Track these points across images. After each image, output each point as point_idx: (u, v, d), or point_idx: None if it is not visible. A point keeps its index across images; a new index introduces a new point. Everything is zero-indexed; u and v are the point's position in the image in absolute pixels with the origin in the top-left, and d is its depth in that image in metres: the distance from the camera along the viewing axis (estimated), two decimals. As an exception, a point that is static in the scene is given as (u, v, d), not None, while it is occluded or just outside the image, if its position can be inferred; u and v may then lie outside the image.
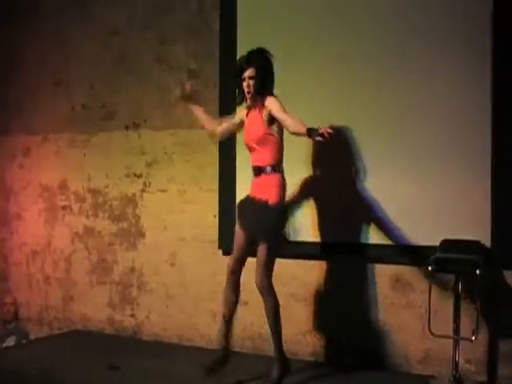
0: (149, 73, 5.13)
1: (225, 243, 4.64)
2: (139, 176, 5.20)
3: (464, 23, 3.96)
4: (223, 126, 4.01)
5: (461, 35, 3.96)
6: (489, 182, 3.87)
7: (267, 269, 3.69)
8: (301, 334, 4.44)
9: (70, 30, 5.53)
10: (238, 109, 3.97)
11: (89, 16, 5.44)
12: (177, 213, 5.00)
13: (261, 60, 3.74)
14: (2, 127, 5.88)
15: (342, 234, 4.32)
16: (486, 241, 3.83)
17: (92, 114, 5.44)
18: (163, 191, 5.10)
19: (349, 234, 4.30)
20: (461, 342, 3.69)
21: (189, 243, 4.95)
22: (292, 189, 4.19)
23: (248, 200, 3.81)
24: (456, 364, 3.68)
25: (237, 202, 4.06)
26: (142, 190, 5.19)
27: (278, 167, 3.74)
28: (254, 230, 3.73)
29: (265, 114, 3.69)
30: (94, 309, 5.38)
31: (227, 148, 4.65)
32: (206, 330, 4.81)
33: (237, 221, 3.89)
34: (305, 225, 4.38)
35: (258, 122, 3.72)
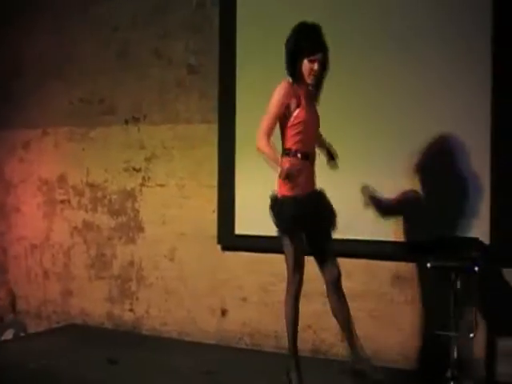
0: (148, 68, 5.12)
1: (224, 239, 4.67)
2: (138, 170, 5.20)
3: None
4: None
5: (466, 36, 3.95)
6: (488, 179, 3.87)
7: None
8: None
9: (71, 25, 5.51)
10: (282, 96, 3.27)
11: (90, 12, 5.41)
12: (176, 207, 5.00)
13: None
14: (3, 121, 5.86)
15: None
16: (485, 238, 3.83)
17: (91, 108, 5.43)
18: (162, 186, 5.09)
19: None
20: (459, 339, 3.70)
21: (188, 238, 4.95)
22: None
23: (314, 197, 3.37)
24: (454, 361, 3.69)
25: (290, 208, 3.26)
26: (141, 185, 5.19)
27: None
28: (327, 222, 3.42)
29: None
30: (93, 303, 5.38)
31: (226, 143, 4.65)
32: (204, 325, 4.82)
33: (295, 235, 3.33)
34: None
35: (316, 110, 3.49)
